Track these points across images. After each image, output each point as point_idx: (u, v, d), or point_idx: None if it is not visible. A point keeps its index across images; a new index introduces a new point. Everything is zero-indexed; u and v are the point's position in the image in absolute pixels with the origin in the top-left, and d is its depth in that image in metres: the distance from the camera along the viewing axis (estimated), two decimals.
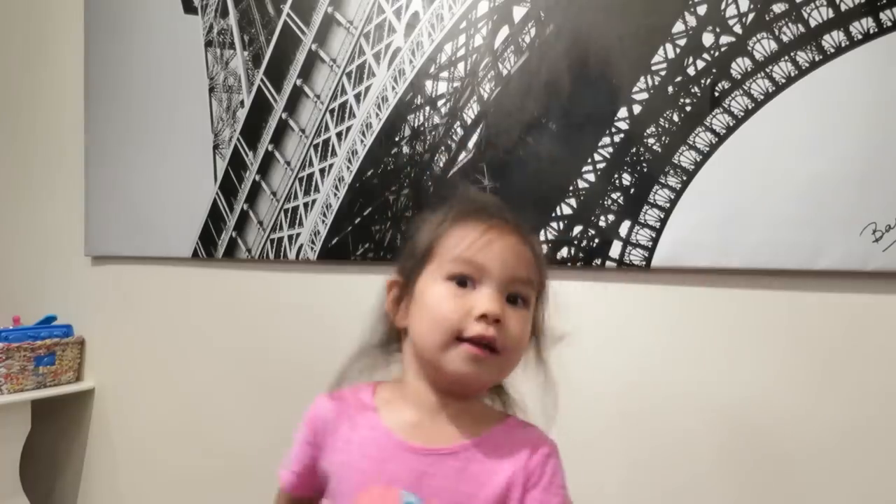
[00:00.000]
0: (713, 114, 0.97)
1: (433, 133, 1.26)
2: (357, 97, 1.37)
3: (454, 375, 0.63)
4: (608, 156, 1.06)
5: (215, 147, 1.63)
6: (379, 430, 0.66)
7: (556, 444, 0.68)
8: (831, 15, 0.89)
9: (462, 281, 0.63)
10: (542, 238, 1.12)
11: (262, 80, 1.53)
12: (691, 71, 0.99)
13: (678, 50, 1.00)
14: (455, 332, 0.62)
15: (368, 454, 0.65)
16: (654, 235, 1.02)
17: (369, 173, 1.35)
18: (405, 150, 1.30)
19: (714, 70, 0.97)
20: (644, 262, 1.03)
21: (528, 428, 0.69)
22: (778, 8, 0.93)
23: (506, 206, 0.70)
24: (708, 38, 0.98)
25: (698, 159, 0.98)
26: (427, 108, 1.27)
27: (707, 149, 0.98)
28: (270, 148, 1.52)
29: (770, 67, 0.93)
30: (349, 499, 0.64)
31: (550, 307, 0.72)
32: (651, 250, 1.03)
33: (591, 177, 1.08)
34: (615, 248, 1.06)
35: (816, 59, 0.90)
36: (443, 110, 1.25)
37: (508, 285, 0.64)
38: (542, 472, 0.64)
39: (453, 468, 0.63)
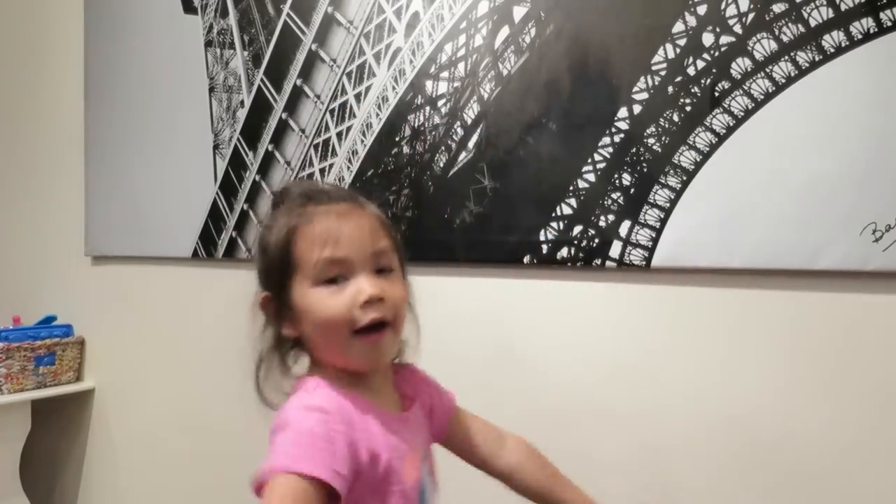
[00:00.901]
0: (713, 114, 0.98)
1: (433, 133, 1.26)
2: (357, 97, 1.37)
3: (365, 367, 0.68)
4: (608, 156, 1.06)
5: (215, 147, 1.63)
6: (370, 409, 0.68)
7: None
8: (831, 15, 0.89)
9: (332, 280, 0.66)
10: (542, 238, 1.13)
11: (262, 80, 1.53)
12: (691, 71, 0.99)
13: (678, 50, 1.00)
14: (349, 328, 0.65)
15: (386, 433, 0.67)
16: (654, 235, 1.02)
17: (369, 173, 1.35)
18: (405, 150, 1.30)
19: (714, 70, 0.98)
20: (644, 262, 1.03)
21: (410, 369, 0.79)
22: (778, 8, 0.93)
23: (322, 183, 0.76)
24: (708, 38, 0.98)
25: (698, 159, 0.98)
26: (427, 108, 1.27)
27: (707, 149, 0.98)
28: (270, 148, 1.52)
29: (770, 67, 0.93)
30: (405, 474, 0.67)
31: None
32: (651, 250, 1.03)
33: (592, 177, 1.08)
34: (615, 248, 1.06)
35: (816, 59, 0.90)
36: (443, 110, 1.25)
37: (372, 262, 0.67)
38: (431, 391, 0.78)
39: (415, 425, 0.73)
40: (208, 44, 1.65)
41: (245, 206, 1.57)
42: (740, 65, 0.96)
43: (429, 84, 1.27)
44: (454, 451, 0.79)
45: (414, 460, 0.68)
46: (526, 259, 1.15)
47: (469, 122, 1.21)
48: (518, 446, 0.81)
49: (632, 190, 1.04)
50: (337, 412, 0.66)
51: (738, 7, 0.95)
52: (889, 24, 0.85)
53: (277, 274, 0.69)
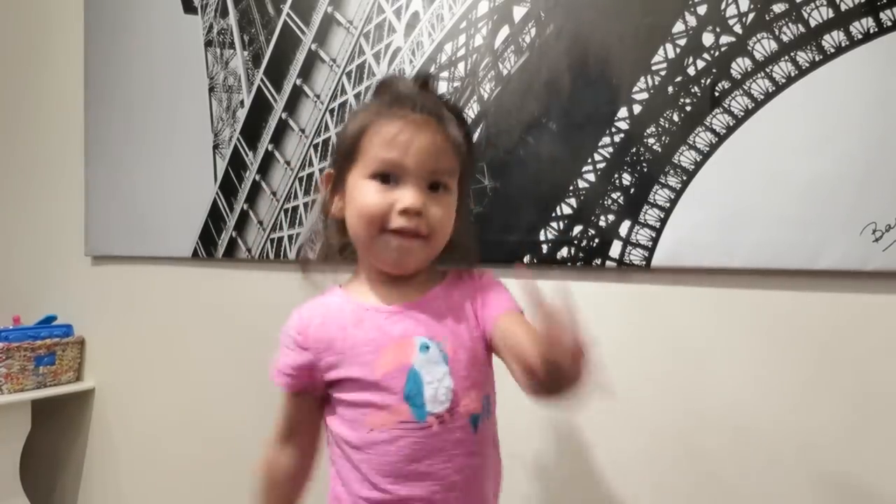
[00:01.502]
0: (713, 114, 0.97)
1: None
2: (357, 97, 1.37)
3: (386, 261, 0.74)
4: (608, 156, 1.06)
5: (215, 147, 1.63)
6: (363, 310, 0.75)
7: (484, 271, 0.80)
8: (831, 15, 0.89)
9: (385, 178, 0.71)
10: (542, 238, 1.13)
11: (261, 79, 1.53)
12: (691, 71, 0.99)
13: (678, 50, 1.00)
14: (380, 224, 0.71)
15: (368, 330, 0.73)
16: (654, 235, 1.02)
17: None
18: None
19: (714, 70, 0.98)
20: (644, 262, 1.03)
21: (463, 272, 0.80)
22: (778, 8, 0.93)
23: (426, 91, 0.77)
24: (708, 38, 0.98)
25: (698, 159, 0.98)
26: None
27: (707, 149, 0.98)
28: (270, 148, 1.52)
29: (770, 67, 0.93)
30: (369, 369, 0.72)
31: None
32: (651, 250, 1.03)
33: (591, 177, 1.08)
34: (615, 248, 1.06)
35: (816, 58, 0.90)
36: None
37: (428, 177, 0.72)
38: (483, 285, 0.77)
39: (437, 309, 0.74)
40: (208, 43, 1.65)
41: (245, 206, 1.57)
42: (740, 65, 0.96)
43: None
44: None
45: (402, 347, 0.72)
46: (525, 259, 1.15)
47: (469, 121, 1.21)
48: None
49: (632, 190, 1.04)
50: (307, 318, 0.77)
51: (738, 7, 0.95)
52: (889, 23, 0.85)
53: (344, 156, 0.76)
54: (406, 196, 0.70)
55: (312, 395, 0.79)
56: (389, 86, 0.77)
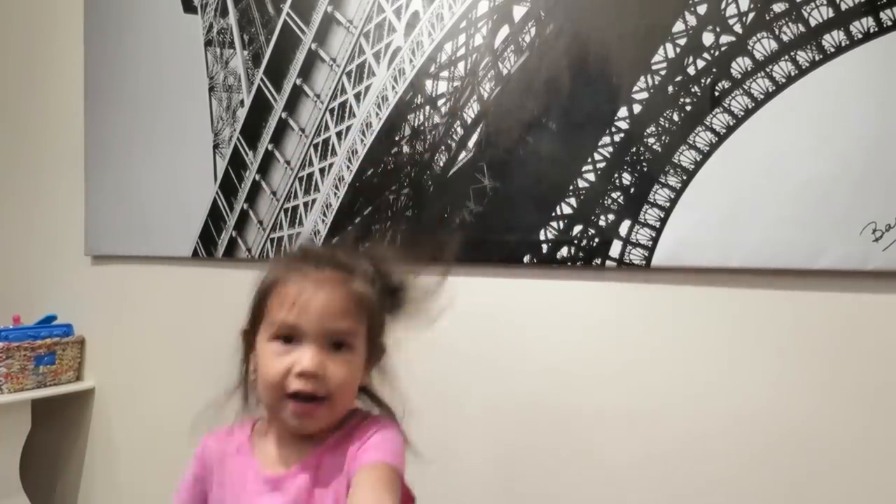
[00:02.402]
0: (713, 113, 0.97)
1: (433, 132, 1.26)
2: (357, 96, 1.37)
3: (289, 427, 0.72)
4: (608, 155, 1.06)
5: (215, 146, 1.63)
6: (248, 465, 0.75)
7: (391, 424, 0.73)
8: (831, 14, 0.89)
9: (287, 339, 0.70)
10: (542, 237, 1.12)
11: (261, 79, 1.53)
12: (691, 70, 0.99)
13: (678, 49, 1.00)
14: (280, 389, 0.69)
15: (236, 488, 0.74)
16: (654, 235, 1.02)
17: (369, 173, 1.35)
18: (405, 149, 1.30)
19: (714, 69, 0.97)
20: (644, 262, 1.03)
21: (364, 422, 0.74)
22: (778, 7, 0.93)
23: (338, 250, 0.76)
24: (708, 38, 0.98)
25: (698, 159, 0.98)
26: (427, 108, 1.27)
27: (707, 148, 0.98)
28: (270, 147, 1.52)
29: (770, 67, 0.93)
30: None
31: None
32: (651, 250, 1.03)
33: (592, 176, 1.08)
34: (615, 248, 1.06)
35: (817, 58, 0.90)
36: (443, 110, 1.25)
37: (327, 336, 0.70)
38: (366, 445, 0.70)
39: (303, 482, 0.70)
40: (208, 43, 1.65)
41: (245, 206, 1.57)
42: (740, 64, 0.96)
43: (428, 83, 1.27)
44: None
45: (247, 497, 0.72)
46: (526, 259, 1.15)
47: (469, 121, 1.21)
48: None
49: (632, 189, 1.04)
50: (209, 451, 0.80)
51: (738, 6, 0.95)
52: (889, 23, 0.85)
53: (252, 315, 0.76)
54: (302, 358, 0.69)
55: None
56: (301, 243, 0.78)
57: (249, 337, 0.77)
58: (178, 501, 0.80)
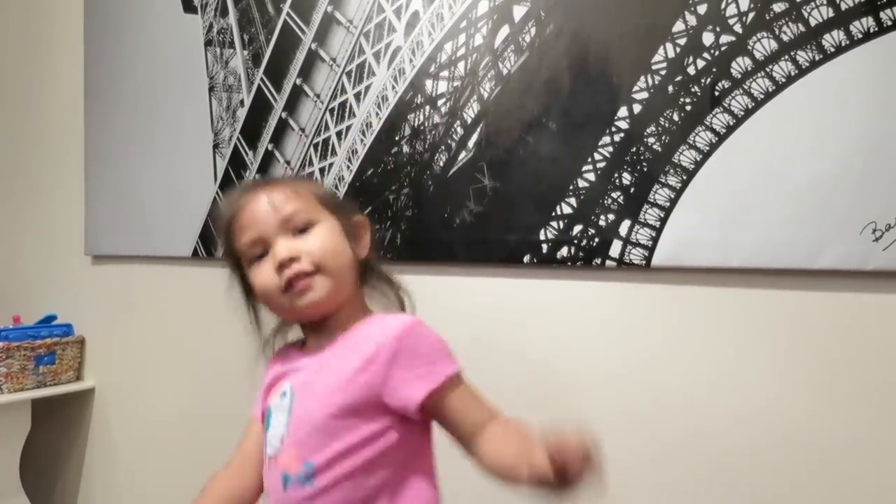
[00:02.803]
0: (713, 113, 0.97)
1: (433, 132, 1.26)
2: (357, 96, 1.37)
3: (303, 312, 0.76)
4: (608, 155, 1.06)
5: (215, 146, 1.63)
6: (291, 352, 0.82)
7: (414, 322, 0.73)
8: (831, 14, 0.89)
9: (260, 256, 0.75)
10: (542, 237, 1.12)
11: (261, 79, 1.53)
12: (691, 70, 0.99)
13: (678, 49, 1.00)
14: (279, 291, 0.73)
15: (278, 369, 0.81)
16: (654, 235, 1.02)
17: (369, 172, 1.35)
18: (405, 149, 1.30)
19: (714, 69, 0.97)
20: (644, 262, 1.03)
21: (382, 317, 0.77)
22: (778, 7, 0.93)
23: (260, 177, 0.83)
24: (708, 38, 0.98)
25: (698, 159, 0.98)
26: (427, 108, 1.27)
27: (707, 148, 0.98)
28: (270, 147, 1.52)
29: (770, 67, 0.93)
30: (259, 401, 0.84)
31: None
32: (651, 250, 1.03)
33: (592, 176, 1.08)
34: (615, 248, 1.06)
35: (817, 58, 0.90)
36: (443, 109, 1.25)
37: (285, 228, 0.74)
38: (400, 349, 0.69)
39: (317, 362, 0.75)
40: (208, 43, 1.65)
41: None
42: (740, 64, 0.96)
43: (429, 83, 1.27)
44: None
45: (275, 389, 0.78)
46: (526, 258, 1.15)
47: (469, 121, 1.21)
48: (490, 437, 0.70)
49: (632, 189, 1.04)
50: (270, 371, 0.83)
51: (738, 6, 0.95)
52: (889, 23, 0.85)
53: (233, 265, 0.81)
54: (273, 254, 0.73)
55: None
56: (227, 197, 0.85)
57: (237, 274, 0.82)
58: (256, 412, 0.86)
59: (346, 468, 0.68)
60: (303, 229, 0.75)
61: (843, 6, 0.88)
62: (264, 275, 0.74)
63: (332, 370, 0.72)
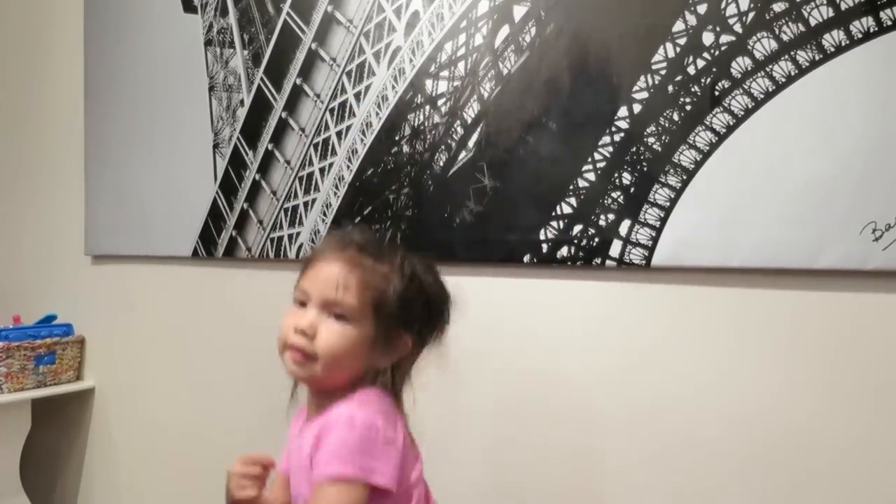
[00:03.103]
0: (713, 113, 0.97)
1: (433, 132, 1.26)
2: (357, 96, 1.37)
3: (290, 374, 0.81)
4: (608, 155, 1.06)
5: (215, 146, 1.63)
6: (299, 415, 0.86)
7: (356, 417, 0.74)
8: (831, 14, 0.89)
9: (302, 304, 0.80)
10: (542, 237, 1.12)
11: (261, 78, 1.53)
12: (691, 70, 0.99)
13: (678, 49, 1.00)
14: (283, 342, 0.80)
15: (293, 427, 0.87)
16: (654, 234, 1.02)
17: (369, 172, 1.35)
18: (405, 149, 1.30)
19: (714, 69, 0.97)
20: (644, 262, 1.03)
21: (343, 405, 0.76)
22: (778, 7, 0.93)
23: (379, 241, 0.85)
24: (708, 38, 0.98)
25: (698, 158, 0.98)
26: (427, 107, 1.27)
27: (707, 148, 0.98)
28: (270, 147, 1.52)
29: (770, 66, 0.93)
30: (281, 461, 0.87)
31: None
32: (651, 249, 1.03)
33: (592, 176, 1.08)
34: (615, 248, 1.06)
35: (817, 58, 0.90)
36: (443, 109, 1.25)
37: (326, 306, 0.78)
38: (323, 439, 0.73)
39: (300, 437, 0.80)
40: (208, 43, 1.65)
41: (245, 206, 1.57)
42: (740, 64, 0.96)
43: (429, 83, 1.27)
44: None
45: (288, 453, 0.85)
46: (526, 258, 1.15)
47: (469, 121, 1.21)
48: None
49: (632, 189, 1.04)
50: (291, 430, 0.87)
51: (738, 6, 0.95)
52: (889, 23, 0.85)
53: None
54: (300, 316, 0.79)
55: None
56: (353, 229, 0.87)
57: None
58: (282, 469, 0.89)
59: None
60: (338, 316, 0.78)
61: (843, 6, 0.88)
62: (287, 320, 0.80)
63: (302, 450, 0.78)
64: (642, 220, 1.03)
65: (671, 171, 1.01)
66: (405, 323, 0.80)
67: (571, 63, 1.10)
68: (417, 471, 0.80)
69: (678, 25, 1.00)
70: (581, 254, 1.09)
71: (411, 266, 0.81)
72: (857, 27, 0.87)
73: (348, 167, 1.38)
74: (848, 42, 0.88)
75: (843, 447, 0.90)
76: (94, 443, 1.94)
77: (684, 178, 1.00)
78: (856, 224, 0.87)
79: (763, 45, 0.94)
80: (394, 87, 1.31)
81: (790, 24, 0.92)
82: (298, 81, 1.47)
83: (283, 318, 0.81)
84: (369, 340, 0.79)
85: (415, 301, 0.81)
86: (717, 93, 0.97)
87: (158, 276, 1.78)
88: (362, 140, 1.36)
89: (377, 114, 1.34)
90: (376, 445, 0.73)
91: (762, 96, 0.94)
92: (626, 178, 1.05)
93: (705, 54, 0.98)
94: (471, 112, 1.21)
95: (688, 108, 1.00)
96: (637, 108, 1.03)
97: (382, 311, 0.79)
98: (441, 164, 1.25)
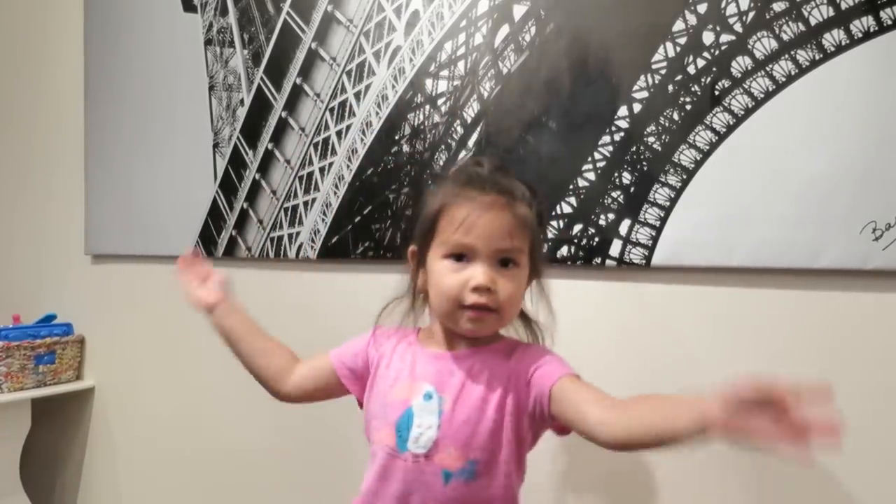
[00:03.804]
0: (713, 112, 0.97)
1: (433, 132, 1.26)
2: (357, 96, 1.37)
3: (462, 331, 0.81)
4: (608, 154, 1.06)
5: (215, 146, 1.63)
6: (417, 351, 0.85)
7: (554, 353, 0.83)
8: (831, 13, 0.89)
9: (459, 257, 0.78)
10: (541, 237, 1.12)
11: (261, 78, 1.53)
12: (691, 69, 0.99)
13: (678, 48, 1.00)
14: (457, 301, 0.78)
15: (404, 362, 0.85)
16: (654, 234, 1.02)
17: (369, 172, 1.35)
18: (405, 148, 1.30)
19: (714, 69, 0.97)
20: (644, 261, 1.03)
21: (527, 346, 0.85)
22: (778, 6, 0.93)
23: (499, 172, 0.83)
24: (708, 37, 0.98)
25: (698, 158, 0.98)
26: (427, 107, 1.27)
27: (707, 147, 0.98)
28: (270, 146, 1.52)
29: (770, 66, 0.93)
30: (384, 394, 0.83)
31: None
32: (651, 249, 1.03)
33: (592, 175, 1.08)
34: (615, 247, 1.06)
35: (817, 57, 0.90)
36: (443, 109, 1.25)
37: (497, 255, 0.78)
38: (537, 362, 0.80)
39: (467, 367, 0.80)
40: (208, 42, 1.65)
41: (245, 205, 1.57)
42: (740, 63, 0.96)
43: (428, 82, 1.27)
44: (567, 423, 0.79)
45: (412, 388, 0.81)
46: None
47: (469, 120, 1.21)
48: (604, 407, 0.75)
49: (632, 189, 1.04)
50: (383, 337, 0.89)
51: (738, 6, 0.95)
52: (889, 22, 0.85)
53: (423, 236, 0.83)
54: (478, 274, 0.77)
55: (338, 380, 0.90)
56: (465, 168, 0.85)
57: (417, 255, 0.85)
58: (336, 356, 0.91)
59: (484, 458, 0.78)
60: (505, 262, 0.79)
61: (844, 5, 0.88)
62: (452, 280, 0.78)
63: (476, 381, 0.79)
64: (642, 220, 1.03)
65: (671, 170, 1.01)
66: (542, 257, 0.86)
67: (571, 62, 1.10)
68: None
69: (678, 25, 1.00)
70: (581, 253, 1.09)
71: (537, 201, 0.83)
72: (857, 26, 0.87)
73: (348, 167, 1.38)
74: (848, 41, 0.88)
75: (843, 447, 0.89)
76: (93, 442, 1.94)
77: (684, 177, 1.00)
78: (856, 224, 0.87)
79: (763, 44, 0.94)
80: (394, 87, 1.31)
81: (790, 23, 0.92)
82: (298, 81, 1.47)
83: (441, 276, 0.79)
84: (526, 281, 0.83)
85: (541, 233, 0.86)
86: (717, 92, 0.97)
87: (158, 275, 1.78)
88: (362, 139, 1.36)
89: (377, 113, 1.34)
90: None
91: (762, 96, 0.94)
92: (626, 177, 1.05)
93: (705, 54, 0.98)
94: (471, 111, 1.21)
95: (688, 107, 1.00)
96: (637, 107, 1.03)
97: (534, 245, 0.82)
98: (441, 163, 1.25)
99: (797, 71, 0.91)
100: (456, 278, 0.78)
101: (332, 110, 1.41)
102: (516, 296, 0.80)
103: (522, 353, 0.83)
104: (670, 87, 1.01)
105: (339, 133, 1.40)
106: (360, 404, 0.90)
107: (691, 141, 0.99)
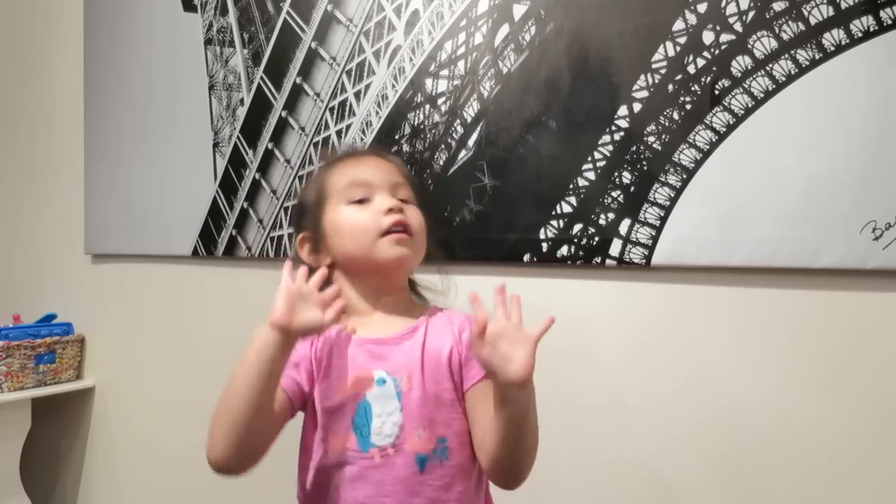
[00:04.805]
0: (713, 112, 0.97)
1: (433, 131, 1.26)
2: (357, 95, 1.37)
3: (388, 262, 0.77)
4: (608, 154, 1.06)
5: (215, 145, 1.63)
6: (342, 338, 0.78)
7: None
8: (831, 13, 0.89)
9: (360, 201, 0.78)
10: (542, 236, 1.13)
11: (261, 78, 1.53)
12: (691, 69, 0.99)
13: (678, 48, 1.00)
14: (376, 231, 0.76)
15: (343, 358, 0.77)
16: (654, 234, 1.02)
17: None
18: (405, 148, 1.30)
19: (714, 68, 0.97)
20: (644, 261, 1.03)
21: (449, 311, 0.83)
22: (778, 6, 0.93)
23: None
24: (708, 37, 0.98)
25: (698, 157, 0.98)
26: (427, 107, 1.27)
27: (707, 147, 0.98)
28: (270, 146, 1.52)
29: (770, 65, 0.93)
30: (336, 394, 0.75)
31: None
32: (651, 248, 1.03)
33: (592, 175, 1.08)
34: (615, 247, 1.06)
35: (817, 57, 0.90)
36: (443, 108, 1.25)
37: (393, 191, 0.79)
38: (465, 343, 0.76)
39: (407, 347, 0.77)
40: (208, 42, 1.65)
41: (245, 205, 1.57)
42: (740, 63, 0.95)
43: (428, 82, 1.27)
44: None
45: (360, 379, 0.75)
46: (526, 257, 1.15)
47: (469, 120, 1.21)
48: None
49: (632, 188, 1.04)
50: (316, 348, 0.78)
51: (738, 5, 0.95)
52: (889, 22, 0.85)
53: (313, 208, 0.81)
54: (384, 200, 0.78)
55: (289, 398, 0.77)
56: (331, 153, 0.90)
57: (312, 236, 0.82)
58: (288, 380, 0.76)
59: (449, 434, 0.74)
60: (402, 202, 0.79)
61: (844, 5, 0.88)
62: (363, 215, 0.77)
63: (420, 357, 0.75)
64: (642, 220, 1.03)
65: (671, 170, 1.01)
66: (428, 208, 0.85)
67: (571, 62, 1.10)
68: None
69: (678, 24, 1.00)
70: (581, 253, 1.09)
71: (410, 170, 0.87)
72: (857, 26, 0.87)
73: None
74: (848, 41, 0.88)
75: (842, 446, 0.90)
76: (94, 442, 1.94)
77: (684, 177, 1.00)
78: (856, 223, 0.87)
79: (763, 44, 0.94)
80: (394, 86, 1.31)
81: (790, 22, 0.92)
82: (298, 80, 1.47)
83: (350, 218, 0.77)
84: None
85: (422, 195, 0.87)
86: (717, 92, 0.97)
87: (158, 275, 1.78)
88: (362, 139, 1.36)
89: (377, 113, 1.34)
90: None
91: (762, 95, 0.94)
92: (627, 177, 1.05)
93: (705, 53, 0.98)
94: (471, 111, 1.21)
95: (688, 107, 1.00)
96: (637, 107, 1.03)
97: (422, 198, 0.83)
98: (441, 163, 1.25)
99: (797, 70, 0.91)
100: (366, 213, 0.77)
101: (332, 110, 1.41)
102: (421, 225, 0.80)
103: (449, 318, 0.80)
104: (670, 87, 1.01)
105: (339, 132, 1.40)
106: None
107: (691, 140, 0.99)
